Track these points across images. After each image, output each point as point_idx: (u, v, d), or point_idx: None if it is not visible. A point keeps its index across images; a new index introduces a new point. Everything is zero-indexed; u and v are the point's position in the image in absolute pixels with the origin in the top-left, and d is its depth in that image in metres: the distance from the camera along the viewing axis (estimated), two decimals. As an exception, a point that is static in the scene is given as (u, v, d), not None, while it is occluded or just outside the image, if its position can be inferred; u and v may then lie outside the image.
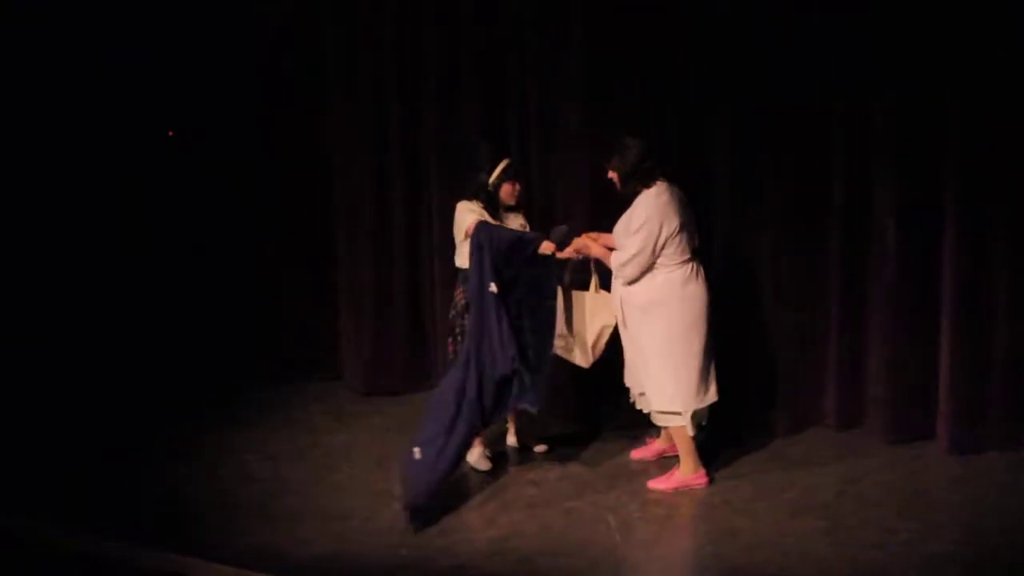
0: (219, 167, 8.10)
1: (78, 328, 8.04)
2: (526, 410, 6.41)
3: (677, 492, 6.39)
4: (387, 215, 7.86)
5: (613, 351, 6.56)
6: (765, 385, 7.05)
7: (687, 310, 6.27)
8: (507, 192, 6.62)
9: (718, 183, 7.04)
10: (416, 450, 6.13)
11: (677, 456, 6.50)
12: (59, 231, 8.10)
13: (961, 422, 6.71)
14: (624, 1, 7.03)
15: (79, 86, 8.01)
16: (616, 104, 7.09)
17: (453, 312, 6.69)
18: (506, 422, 6.91)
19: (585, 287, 6.57)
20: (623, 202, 6.38)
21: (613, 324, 6.47)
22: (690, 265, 6.29)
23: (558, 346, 6.48)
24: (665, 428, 6.60)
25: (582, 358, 6.57)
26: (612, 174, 6.35)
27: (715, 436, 6.72)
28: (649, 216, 6.17)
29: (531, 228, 6.71)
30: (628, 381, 6.60)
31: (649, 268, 6.21)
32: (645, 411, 6.53)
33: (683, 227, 6.22)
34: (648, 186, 6.25)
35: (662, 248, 6.18)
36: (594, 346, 6.56)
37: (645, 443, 6.93)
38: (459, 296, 6.65)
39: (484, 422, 6.35)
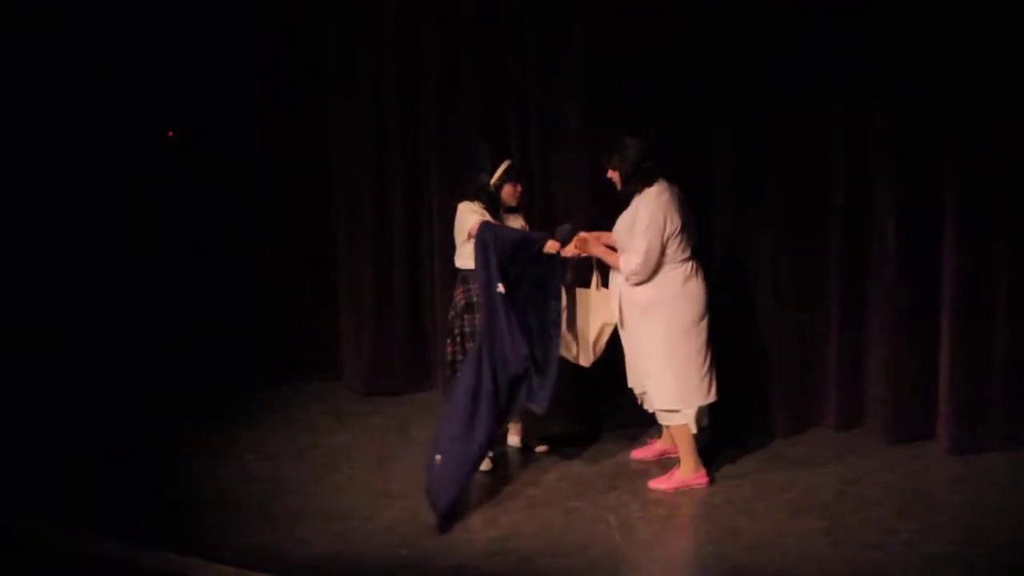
0: (219, 167, 8.10)
1: (78, 328, 8.04)
2: (531, 411, 6.42)
3: (678, 492, 6.39)
4: (387, 215, 7.86)
5: (613, 351, 6.56)
6: (765, 385, 7.05)
7: (688, 308, 6.28)
8: (509, 193, 6.62)
9: (718, 183, 7.04)
10: (437, 457, 6.13)
11: (678, 457, 6.50)
12: (59, 231, 8.10)
13: (961, 422, 6.71)
14: (624, 1, 7.03)
15: (79, 86, 8.01)
16: (616, 104, 7.09)
17: (452, 313, 6.69)
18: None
19: (586, 285, 6.58)
20: (623, 202, 6.39)
21: (614, 322, 6.47)
22: (690, 264, 6.30)
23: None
24: (666, 428, 6.60)
25: (583, 357, 6.57)
26: (612, 174, 6.35)
27: (715, 436, 6.71)
28: (654, 215, 6.18)
29: (531, 229, 6.73)
30: (631, 382, 6.59)
31: (659, 267, 6.22)
32: (650, 411, 6.53)
33: (684, 226, 6.24)
34: (649, 185, 6.25)
35: (665, 246, 6.19)
36: (595, 344, 6.56)
37: (646, 443, 6.93)
38: (459, 297, 6.65)
39: (501, 423, 6.36)
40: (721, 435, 6.78)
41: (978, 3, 6.42)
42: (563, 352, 6.51)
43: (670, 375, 6.29)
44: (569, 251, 6.39)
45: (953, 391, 6.70)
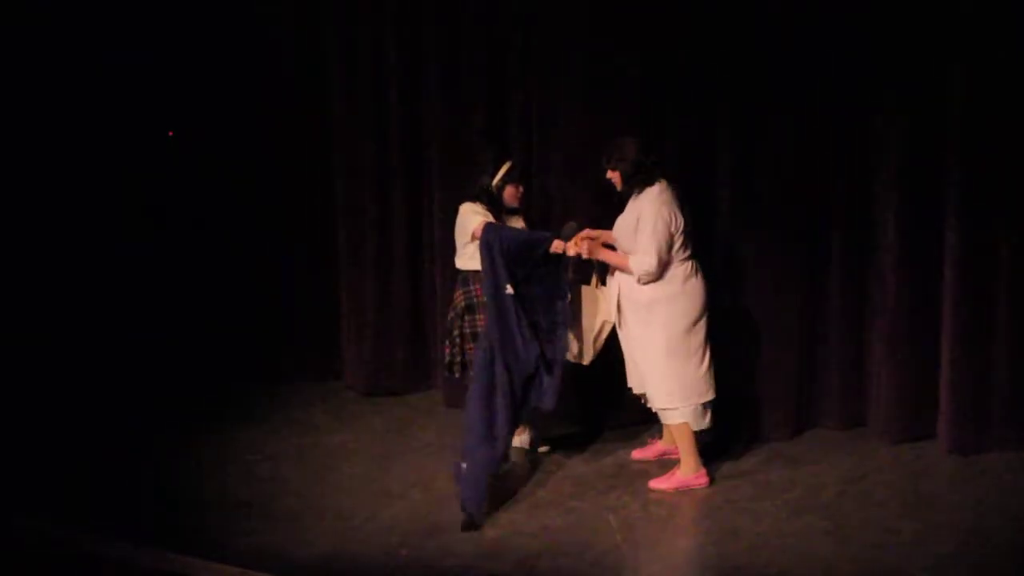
0: (219, 167, 8.09)
1: (78, 328, 8.03)
2: (536, 411, 6.44)
3: (678, 492, 6.39)
4: (387, 215, 7.85)
5: (614, 350, 6.56)
6: (765, 385, 7.05)
7: (689, 307, 6.29)
8: (510, 194, 6.62)
9: (718, 182, 7.04)
10: (463, 465, 6.16)
11: (678, 457, 6.50)
12: (59, 231, 8.09)
13: (963, 422, 6.71)
14: (624, 1, 7.03)
15: (79, 86, 8.00)
16: (616, 104, 7.08)
17: (452, 314, 6.68)
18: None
19: (586, 283, 6.58)
20: (623, 202, 6.38)
21: (613, 320, 6.48)
22: (691, 262, 6.32)
23: None
24: (666, 428, 6.60)
25: (584, 355, 6.57)
26: (612, 174, 6.35)
27: (715, 436, 6.71)
28: (660, 214, 6.19)
29: (532, 229, 6.72)
30: (631, 383, 6.59)
31: (668, 265, 6.22)
32: (654, 410, 6.53)
33: (686, 224, 6.25)
34: (650, 184, 6.25)
35: (671, 245, 6.21)
36: (595, 341, 6.56)
37: (646, 443, 6.93)
38: (459, 298, 6.64)
39: (516, 423, 6.38)
40: (721, 435, 6.78)
41: (978, 3, 6.42)
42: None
43: (670, 373, 6.29)
44: (571, 249, 6.38)
45: (954, 391, 6.70)
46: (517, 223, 6.69)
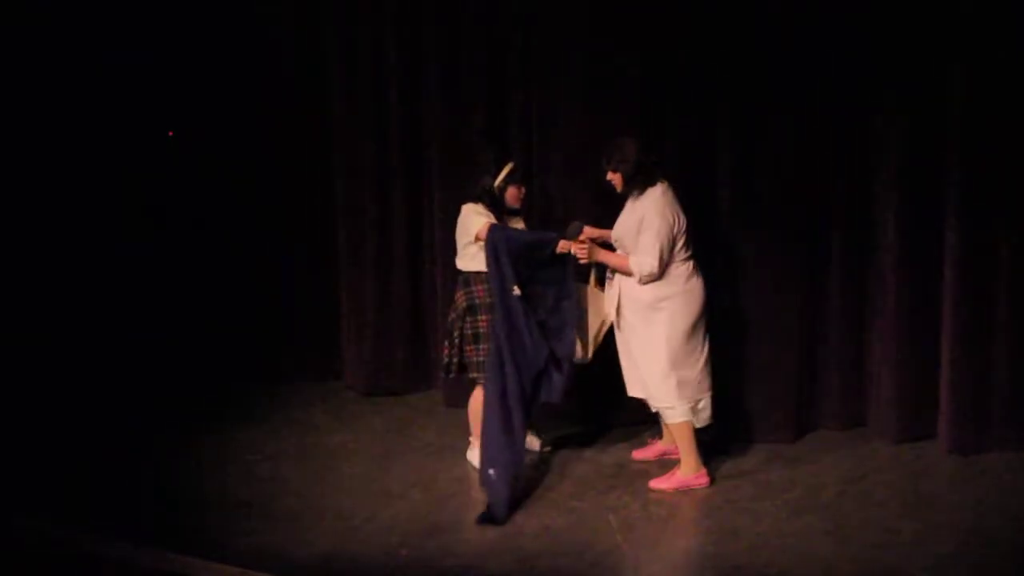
0: (219, 167, 8.09)
1: (78, 328, 8.03)
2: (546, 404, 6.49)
3: (678, 492, 6.39)
4: (387, 215, 7.85)
5: (614, 350, 6.56)
6: (765, 385, 7.04)
7: (691, 306, 6.32)
8: (512, 195, 6.61)
9: (718, 183, 7.03)
10: (492, 471, 6.19)
11: (678, 457, 6.50)
12: (59, 231, 8.09)
13: (963, 422, 6.71)
14: (624, 1, 7.03)
15: (79, 86, 8.00)
16: (616, 104, 7.08)
17: (453, 315, 6.68)
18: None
19: (585, 281, 6.59)
20: (622, 202, 6.39)
21: (612, 319, 6.49)
22: (691, 262, 6.34)
23: None
24: (666, 428, 6.60)
25: (581, 351, 6.57)
26: (613, 176, 6.36)
27: (715, 436, 6.71)
28: (662, 214, 6.20)
29: (532, 229, 6.73)
30: (630, 389, 6.57)
31: (668, 266, 6.23)
32: (653, 410, 6.53)
33: (687, 224, 6.27)
34: (652, 185, 6.26)
35: (673, 245, 6.22)
36: (595, 338, 6.56)
37: (646, 443, 6.93)
38: (460, 299, 6.64)
39: (528, 418, 6.41)
40: (721, 435, 6.78)
41: (978, 4, 6.42)
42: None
43: (672, 371, 6.30)
44: (573, 248, 6.38)
45: (955, 391, 6.70)
46: (517, 224, 6.68)
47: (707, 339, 6.42)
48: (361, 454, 7.05)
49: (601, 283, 6.59)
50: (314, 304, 8.17)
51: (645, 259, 6.22)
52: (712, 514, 6.17)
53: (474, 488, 6.50)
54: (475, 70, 7.51)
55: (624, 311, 6.39)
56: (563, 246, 6.38)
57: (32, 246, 8.03)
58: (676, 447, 6.51)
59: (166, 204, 8.22)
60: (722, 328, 6.70)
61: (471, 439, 6.79)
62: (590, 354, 6.58)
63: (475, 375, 6.60)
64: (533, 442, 6.87)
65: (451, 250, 6.79)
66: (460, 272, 6.68)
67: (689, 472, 6.42)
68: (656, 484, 6.44)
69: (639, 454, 6.87)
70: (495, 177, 6.58)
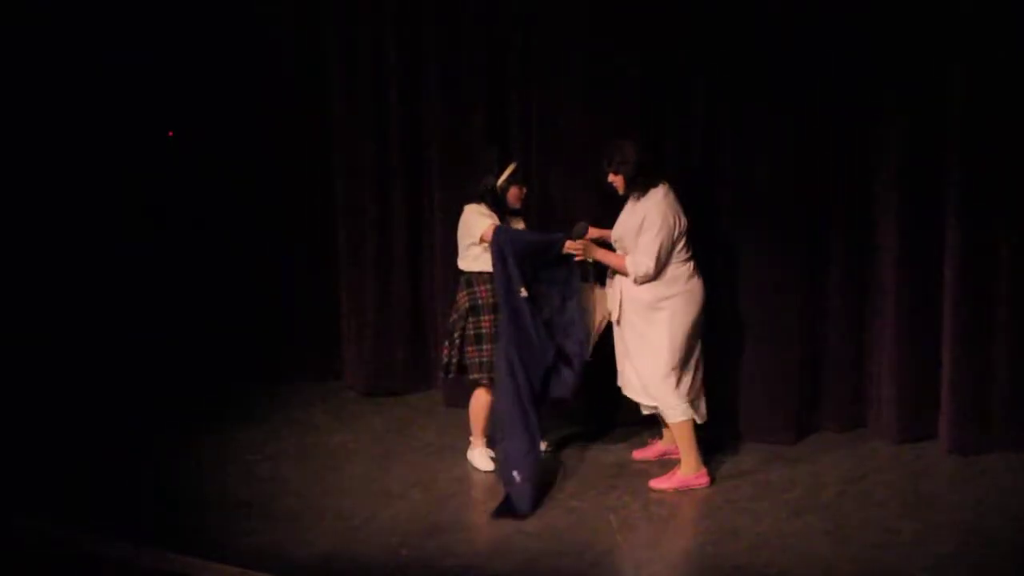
0: (219, 167, 8.09)
1: (78, 328, 8.03)
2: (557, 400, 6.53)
3: (678, 492, 6.39)
4: (388, 215, 7.85)
5: (613, 350, 6.56)
6: (765, 385, 7.04)
7: (692, 305, 6.34)
8: (514, 196, 6.61)
9: (718, 183, 7.04)
10: (515, 474, 6.21)
11: (678, 457, 6.50)
12: (59, 231, 8.09)
13: (963, 422, 6.71)
14: (624, 1, 7.03)
15: (79, 86, 8.00)
16: (616, 104, 7.08)
17: (455, 316, 6.68)
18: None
19: (585, 279, 6.59)
20: (623, 202, 6.38)
21: (613, 317, 6.50)
22: (692, 263, 6.35)
23: None
24: (666, 428, 6.60)
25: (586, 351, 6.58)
26: (614, 178, 6.37)
27: (716, 436, 6.71)
28: (664, 216, 6.22)
29: (531, 229, 6.73)
30: (626, 390, 6.58)
31: (665, 266, 6.23)
32: (646, 411, 6.54)
33: (687, 225, 6.28)
34: (654, 186, 6.27)
35: (673, 246, 6.23)
36: (594, 336, 6.57)
37: (646, 443, 6.93)
38: (462, 300, 6.63)
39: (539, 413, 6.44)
40: (722, 435, 6.78)
41: (978, 3, 6.42)
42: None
43: (672, 371, 6.32)
44: (574, 248, 6.39)
45: (955, 391, 6.70)
46: (518, 224, 6.69)
47: (703, 339, 6.45)
48: (361, 454, 7.05)
49: (601, 282, 6.59)
50: (314, 304, 8.17)
51: (642, 260, 6.23)
52: (712, 514, 6.17)
53: (474, 488, 6.51)
54: (475, 70, 7.51)
55: (626, 311, 6.40)
56: (569, 246, 6.39)
57: (32, 246, 8.03)
58: (676, 447, 6.52)
59: (166, 204, 8.22)
60: (722, 328, 6.70)
61: (471, 439, 6.80)
62: (588, 352, 6.59)
63: (476, 376, 6.60)
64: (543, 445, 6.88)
65: (452, 250, 6.79)
66: (462, 272, 6.67)
67: (689, 472, 6.42)
68: (656, 484, 6.45)
69: (639, 454, 6.87)
70: (498, 177, 6.58)
